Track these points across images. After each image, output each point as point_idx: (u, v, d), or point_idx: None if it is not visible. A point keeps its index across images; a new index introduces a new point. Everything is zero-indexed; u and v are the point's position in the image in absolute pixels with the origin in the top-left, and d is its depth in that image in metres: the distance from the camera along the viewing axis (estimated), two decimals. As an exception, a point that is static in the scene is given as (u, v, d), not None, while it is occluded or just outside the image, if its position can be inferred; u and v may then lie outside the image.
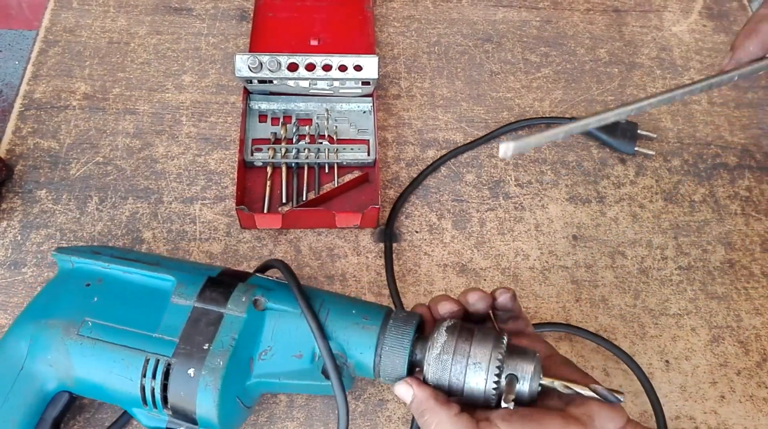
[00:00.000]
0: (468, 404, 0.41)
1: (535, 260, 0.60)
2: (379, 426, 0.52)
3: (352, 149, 0.63)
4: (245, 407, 0.45)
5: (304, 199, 0.61)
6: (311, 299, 0.45)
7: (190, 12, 0.73)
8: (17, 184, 0.61)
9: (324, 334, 0.43)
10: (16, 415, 0.44)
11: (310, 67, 0.62)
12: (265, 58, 0.61)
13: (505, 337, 0.41)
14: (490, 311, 0.45)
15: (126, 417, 0.50)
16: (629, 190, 0.65)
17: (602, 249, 0.61)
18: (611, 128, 0.66)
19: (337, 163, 0.62)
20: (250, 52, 0.65)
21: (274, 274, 0.49)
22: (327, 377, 0.43)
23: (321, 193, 0.61)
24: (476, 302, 0.43)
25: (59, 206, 0.60)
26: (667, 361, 0.56)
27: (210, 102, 0.67)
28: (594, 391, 0.39)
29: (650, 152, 0.66)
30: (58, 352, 0.44)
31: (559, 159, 0.66)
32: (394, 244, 0.60)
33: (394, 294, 0.57)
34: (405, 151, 0.65)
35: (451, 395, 0.41)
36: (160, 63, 0.69)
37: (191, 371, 0.42)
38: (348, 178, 0.62)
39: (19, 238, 0.58)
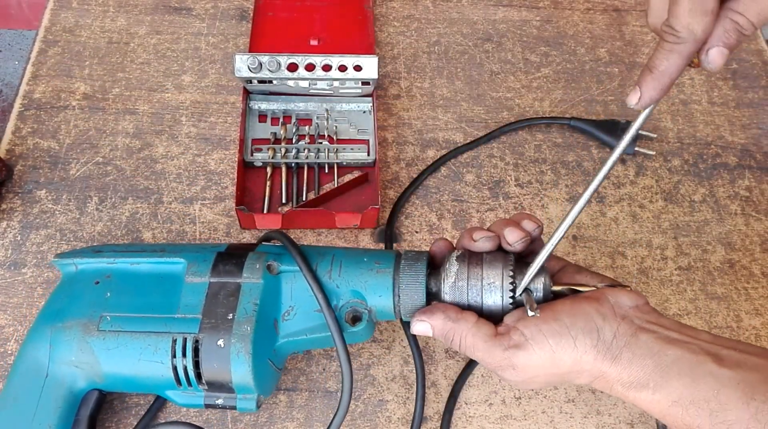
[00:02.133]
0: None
1: (535, 260, 0.60)
2: (379, 426, 0.52)
3: (352, 149, 0.63)
4: (277, 369, 0.46)
5: (304, 199, 0.61)
6: (322, 256, 0.47)
7: (190, 12, 0.73)
8: (17, 184, 0.61)
9: (320, 285, 0.45)
10: (52, 420, 0.44)
11: (310, 67, 0.61)
12: (264, 58, 0.61)
13: (512, 256, 0.44)
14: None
15: (147, 418, 0.50)
16: (629, 190, 0.65)
17: (602, 249, 0.61)
18: (611, 128, 0.66)
19: (337, 163, 0.62)
20: (249, 52, 0.65)
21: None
22: (351, 324, 0.45)
23: (321, 193, 0.61)
24: (515, 243, 0.44)
25: (59, 206, 0.60)
26: (667, 362, 0.56)
27: (210, 102, 0.67)
28: (598, 289, 0.43)
29: (650, 152, 0.66)
30: (81, 352, 0.44)
31: (559, 159, 0.66)
32: (394, 245, 0.60)
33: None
34: (405, 151, 0.65)
35: None
36: (160, 63, 0.69)
37: (221, 342, 0.43)
38: (348, 178, 0.62)
39: (19, 238, 0.58)
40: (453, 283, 0.43)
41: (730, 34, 0.34)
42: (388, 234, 0.60)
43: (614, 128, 0.66)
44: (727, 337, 0.40)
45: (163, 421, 0.47)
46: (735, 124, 0.70)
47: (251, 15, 0.72)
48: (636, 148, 0.66)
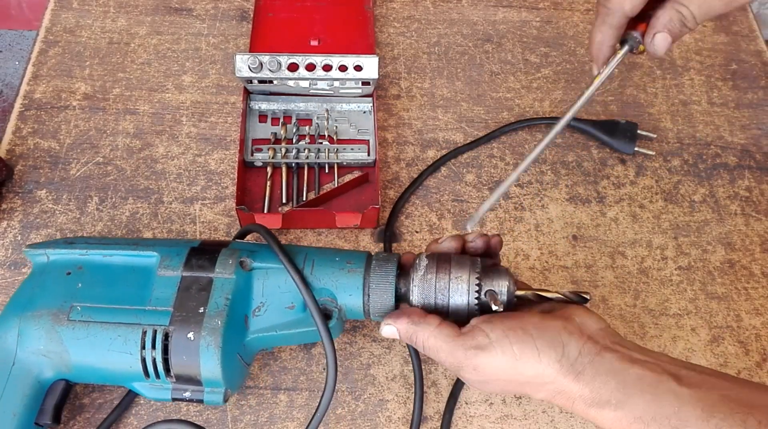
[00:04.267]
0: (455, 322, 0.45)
1: (535, 260, 0.60)
2: (379, 426, 0.52)
3: (352, 149, 0.63)
4: (245, 364, 0.47)
5: (304, 199, 0.61)
6: (295, 254, 0.47)
7: (190, 12, 0.73)
8: (17, 184, 0.61)
9: (305, 281, 0.45)
10: (16, 408, 0.44)
11: (310, 67, 0.62)
12: (265, 58, 0.61)
13: (479, 259, 0.45)
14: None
15: (117, 412, 0.50)
16: (629, 190, 0.65)
17: (602, 249, 0.61)
18: (611, 128, 0.66)
19: (337, 163, 0.62)
20: (250, 52, 0.65)
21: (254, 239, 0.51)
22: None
23: (321, 193, 0.61)
24: (475, 240, 0.46)
25: (59, 206, 0.60)
26: (667, 361, 0.56)
27: (210, 102, 0.67)
28: (561, 293, 0.44)
29: (650, 152, 0.66)
30: (50, 341, 0.45)
31: (559, 159, 0.66)
32: (394, 245, 0.60)
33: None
34: (405, 151, 0.65)
35: (437, 314, 0.44)
36: (160, 63, 0.69)
37: (191, 335, 0.44)
38: (348, 178, 0.62)
39: (19, 238, 0.58)
40: (422, 275, 0.44)
41: (675, 23, 0.38)
42: (388, 234, 0.60)
43: (614, 128, 0.66)
44: (692, 362, 0.41)
45: (163, 419, 0.47)
46: (735, 124, 0.70)
47: (251, 15, 0.72)
48: (636, 148, 0.66)
